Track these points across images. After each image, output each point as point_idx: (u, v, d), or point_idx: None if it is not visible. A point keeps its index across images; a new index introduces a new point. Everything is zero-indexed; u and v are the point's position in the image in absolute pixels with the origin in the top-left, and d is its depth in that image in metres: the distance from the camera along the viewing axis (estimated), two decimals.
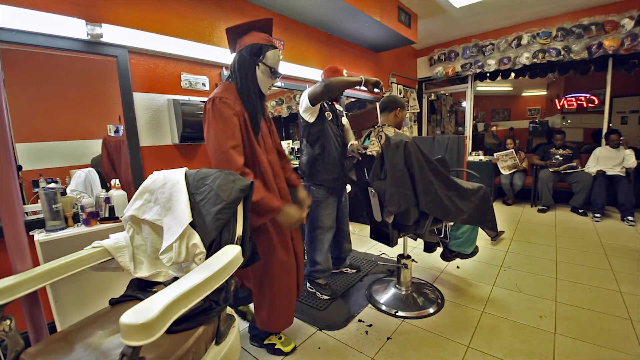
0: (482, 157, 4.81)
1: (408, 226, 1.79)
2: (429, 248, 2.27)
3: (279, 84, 2.87)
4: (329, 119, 1.97)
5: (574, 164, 3.96)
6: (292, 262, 1.45)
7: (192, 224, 1.05)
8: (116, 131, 1.90)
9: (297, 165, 2.67)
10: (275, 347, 1.56)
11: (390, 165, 1.62)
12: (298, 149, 3.08)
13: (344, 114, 2.21)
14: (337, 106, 2.14)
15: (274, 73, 1.32)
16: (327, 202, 1.99)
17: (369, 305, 1.99)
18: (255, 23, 1.31)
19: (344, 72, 2.01)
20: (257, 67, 1.29)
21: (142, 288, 1.16)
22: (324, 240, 2.01)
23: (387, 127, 1.85)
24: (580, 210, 3.81)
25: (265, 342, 1.58)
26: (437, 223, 1.85)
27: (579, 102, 5.77)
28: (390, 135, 1.69)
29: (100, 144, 1.90)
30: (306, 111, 1.89)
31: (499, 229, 3.20)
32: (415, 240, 2.01)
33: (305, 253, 2.12)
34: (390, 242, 1.83)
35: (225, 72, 2.42)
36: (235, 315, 1.15)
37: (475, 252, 2.06)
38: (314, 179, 1.98)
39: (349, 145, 2.03)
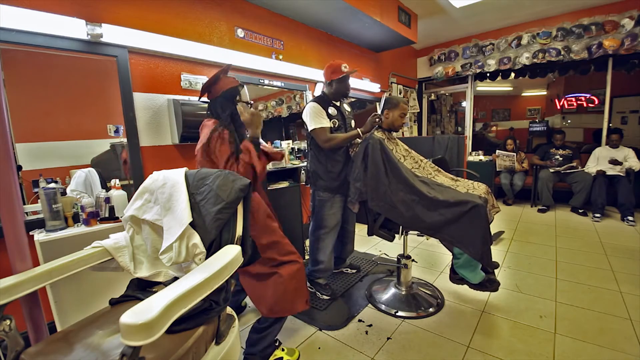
0: (482, 157, 4.81)
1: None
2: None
3: (278, 83, 2.91)
4: (335, 126, 1.91)
5: (574, 164, 3.96)
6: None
7: (192, 224, 1.05)
8: (116, 131, 1.90)
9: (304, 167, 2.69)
10: None
11: (355, 163, 1.84)
12: (298, 149, 3.08)
13: (352, 116, 2.13)
14: (346, 106, 2.08)
15: (248, 104, 1.55)
16: (332, 202, 1.97)
17: (369, 305, 1.99)
18: (221, 71, 1.50)
19: (343, 67, 1.91)
20: (236, 106, 1.50)
21: (142, 288, 1.16)
22: (327, 240, 2.00)
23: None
24: (580, 210, 3.81)
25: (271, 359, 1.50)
26: (395, 225, 1.81)
27: (579, 102, 5.77)
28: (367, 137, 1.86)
29: (101, 143, 1.90)
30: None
31: (499, 229, 3.22)
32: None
33: (307, 252, 2.11)
34: (368, 230, 1.92)
35: None
36: (235, 315, 1.15)
37: (487, 286, 1.76)
38: (319, 186, 1.96)
39: None
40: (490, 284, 1.78)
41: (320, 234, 2.00)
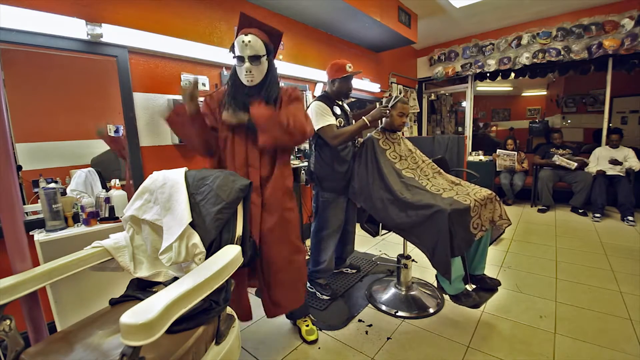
0: (482, 157, 4.81)
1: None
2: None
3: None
4: (341, 125, 1.89)
5: (584, 160, 3.92)
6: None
7: (192, 224, 1.05)
8: (116, 131, 1.90)
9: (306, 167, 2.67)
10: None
11: (354, 162, 1.96)
12: (298, 149, 3.08)
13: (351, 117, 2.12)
14: (346, 107, 2.07)
15: (238, 59, 1.33)
16: (336, 203, 1.96)
17: (369, 305, 1.99)
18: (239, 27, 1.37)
19: (348, 67, 1.88)
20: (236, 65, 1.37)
21: (142, 288, 1.17)
22: (329, 242, 2.00)
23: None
24: (580, 210, 3.81)
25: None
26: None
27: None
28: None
29: (101, 143, 1.90)
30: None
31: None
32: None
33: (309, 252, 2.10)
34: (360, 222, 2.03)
35: (226, 72, 2.42)
36: (235, 315, 1.15)
37: (462, 299, 1.63)
38: (325, 187, 1.95)
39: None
40: (465, 299, 1.63)
41: (323, 235, 1.99)
